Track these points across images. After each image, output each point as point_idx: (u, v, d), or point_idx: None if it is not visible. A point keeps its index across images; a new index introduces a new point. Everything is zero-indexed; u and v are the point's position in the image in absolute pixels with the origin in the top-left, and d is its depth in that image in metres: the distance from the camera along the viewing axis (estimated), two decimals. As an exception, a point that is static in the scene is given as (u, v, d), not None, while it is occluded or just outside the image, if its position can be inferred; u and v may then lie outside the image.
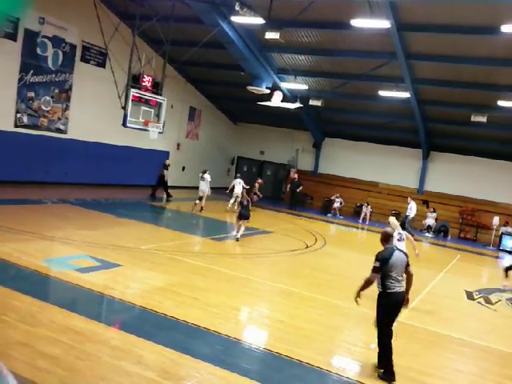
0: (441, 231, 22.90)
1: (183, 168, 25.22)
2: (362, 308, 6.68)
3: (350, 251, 15.80)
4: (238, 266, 10.81)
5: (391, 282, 5.89)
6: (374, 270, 5.96)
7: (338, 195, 24.58)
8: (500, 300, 10.99)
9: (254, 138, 28.88)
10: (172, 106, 22.16)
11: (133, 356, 5.41)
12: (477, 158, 23.23)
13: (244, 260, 11.68)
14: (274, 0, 15.03)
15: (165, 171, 20.33)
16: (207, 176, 18.41)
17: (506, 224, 21.26)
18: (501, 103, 18.00)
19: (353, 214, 25.00)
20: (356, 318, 8.00)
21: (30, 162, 17.23)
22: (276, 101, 21.32)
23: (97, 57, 19.41)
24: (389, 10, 14.03)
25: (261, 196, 22.27)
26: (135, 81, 16.06)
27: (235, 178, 20.87)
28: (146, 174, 21.76)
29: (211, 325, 6.68)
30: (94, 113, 19.51)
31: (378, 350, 5.96)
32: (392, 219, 10.14)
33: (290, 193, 25.11)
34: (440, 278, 12.79)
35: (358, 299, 6.06)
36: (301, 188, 24.59)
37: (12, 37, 16.16)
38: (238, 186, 19.66)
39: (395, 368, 5.76)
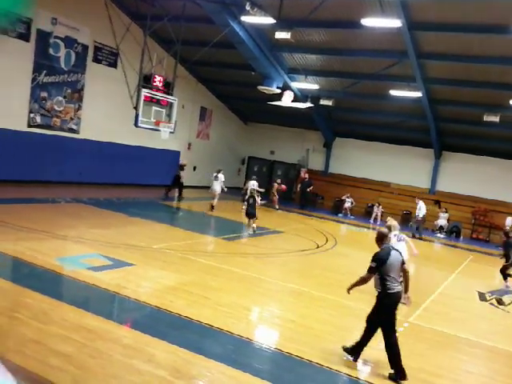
0: (453, 232, 22.73)
1: (194, 168, 25.30)
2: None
3: (360, 251, 15.69)
4: (249, 265, 10.82)
5: (391, 283, 5.89)
6: (370, 270, 5.96)
7: (348, 195, 24.51)
8: (513, 301, 10.89)
9: (265, 137, 28.88)
10: (183, 106, 22.22)
11: (144, 354, 5.45)
12: (489, 157, 23.00)
13: (255, 260, 11.69)
14: (284, 0, 15.03)
15: (180, 172, 20.40)
16: (221, 176, 18.45)
17: (519, 224, 21.06)
18: (514, 103, 17.83)
19: (364, 214, 24.90)
20: (367, 319, 7.97)
21: (43, 162, 17.37)
22: (287, 100, 21.28)
23: (108, 57, 19.53)
24: (400, 8, 13.95)
25: (276, 196, 22.09)
26: (146, 81, 16.13)
27: (250, 179, 20.33)
28: (157, 174, 21.86)
29: (223, 324, 6.70)
30: (106, 113, 19.65)
31: (356, 341, 6.09)
32: (393, 221, 9.96)
33: (300, 192, 25.09)
34: (452, 279, 12.70)
35: (351, 291, 6.25)
36: (311, 188, 24.56)
37: (25, 37, 16.34)
38: (252, 188, 19.18)
39: (406, 369, 5.73)
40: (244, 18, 15.67)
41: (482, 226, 22.83)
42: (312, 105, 22.13)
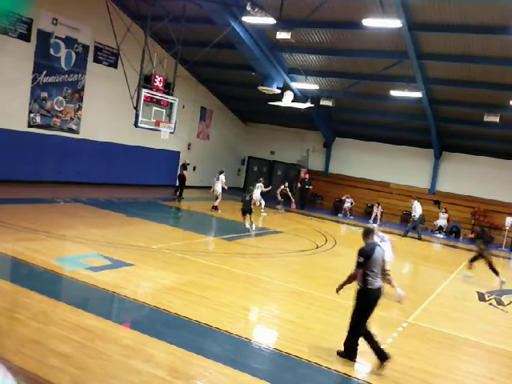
0: (452, 232, 22.72)
1: (194, 168, 25.31)
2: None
3: (360, 252, 15.70)
4: (249, 265, 10.83)
5: (373, 278, 5.97)
6: (358, 265, 6.05)
7: (348, 195, 24.51)
8: (512, 301, 10.90)
9: (265, 137, 28.90)
10: (183, 106, 22.24)
11: (143, 355, 5.46)
12: (489, 158, 23.00)
13: (254, 260, 11.69)
14: (285, 0, 15.04)
15: (184, 171, 20.41)
16: (222, 177, 18.51)
17: (519, 225, 21.06)
18: (514, 103, 17.84)
19: (363, 215, 24.89)
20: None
21: (42, 162, 17.40)
22: (287, 101, 21.28)
23: (109, 57, 19.54)
24: (400, 9, 13.96)
25: (280, 199, 22.02)
26: (147, 81, 16.14)
27: (257, 181, 19.93)
28: (157, 174, 21.88)
29: (221, 324, 6.71)
30: (106, 113, 19.66)
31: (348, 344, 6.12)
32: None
33: (299, 193, 25.08)
34: (451, 280, 12.70)
35: (340, 291, 6.32)
36: (311, 187, 24.62)
37: (25, 37, 16.36)
38: (257, 190, 18.89)
39: (405, 369, 5.74)
40: (245, 19, 15.66)
41: (481, 226, 22.79)
42: (312, 105, 22.13)
